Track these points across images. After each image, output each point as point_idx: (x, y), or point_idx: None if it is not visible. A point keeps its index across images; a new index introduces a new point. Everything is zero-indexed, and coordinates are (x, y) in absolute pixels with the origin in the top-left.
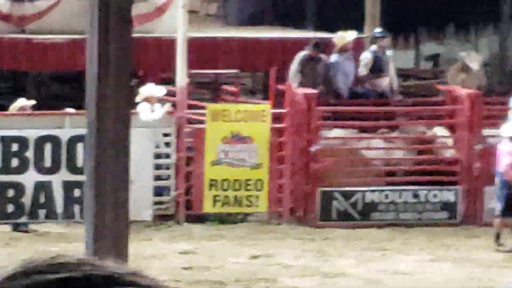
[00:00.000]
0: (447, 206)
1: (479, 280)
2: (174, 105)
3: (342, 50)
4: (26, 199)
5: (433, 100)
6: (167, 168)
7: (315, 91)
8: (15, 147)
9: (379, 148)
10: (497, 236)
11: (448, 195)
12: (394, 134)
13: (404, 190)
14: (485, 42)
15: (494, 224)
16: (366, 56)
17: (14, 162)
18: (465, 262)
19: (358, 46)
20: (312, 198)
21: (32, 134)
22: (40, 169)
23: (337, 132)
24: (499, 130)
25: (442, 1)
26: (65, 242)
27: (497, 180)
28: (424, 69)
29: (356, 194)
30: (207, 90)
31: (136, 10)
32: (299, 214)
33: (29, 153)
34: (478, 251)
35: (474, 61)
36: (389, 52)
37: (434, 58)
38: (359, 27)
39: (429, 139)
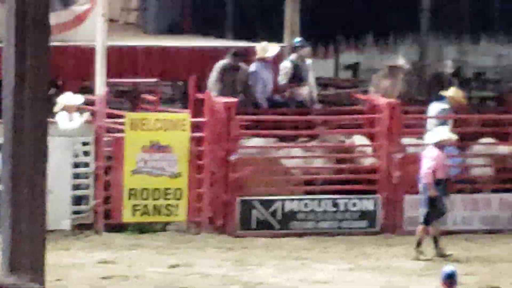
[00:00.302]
0: (367, 215)
1: None
2: (93, 114)
3: (262, 59)
4: None
5: (352, 109)
6: (86, 177)
7: (234, 100)
8: None
9: (298, 157)
10: (418, 243)
11: (367, 203)
12: (314, 143)
13: (323, 199)
14: (404, 51)
15: (417, 230)
16: (285, 65)
17: None
18: (385, 271)
19: (277, 56)
20: (232, 207)
21: None
22: None
23: (256, 141)
24: (418, 139)
25: (361, 11)
26: None
27: (420, 186)
28: (343, 78)
29: (276, 203)
30: (126, 99)
31: (56, 18)
32: (219, 223)
33: None
34: (398, 259)
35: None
36: (308, 61)
37: (353, 67)
38: (278, 36)
39: (348, 148)
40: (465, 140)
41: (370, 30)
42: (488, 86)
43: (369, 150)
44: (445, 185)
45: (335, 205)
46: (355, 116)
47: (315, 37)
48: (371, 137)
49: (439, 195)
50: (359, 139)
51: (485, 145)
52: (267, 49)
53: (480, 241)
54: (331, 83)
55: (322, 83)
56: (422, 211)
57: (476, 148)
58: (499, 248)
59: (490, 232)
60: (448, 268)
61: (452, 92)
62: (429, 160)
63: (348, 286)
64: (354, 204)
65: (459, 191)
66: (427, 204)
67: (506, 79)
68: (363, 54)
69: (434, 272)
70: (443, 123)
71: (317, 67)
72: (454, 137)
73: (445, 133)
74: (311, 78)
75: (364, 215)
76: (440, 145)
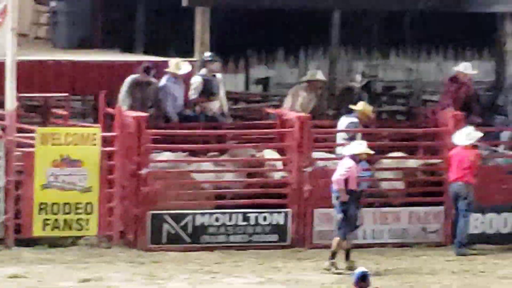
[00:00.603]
0: (277, 229)
1: None
2: (3, 128)
3: (173, 75)
4: None
5: (263, 123)
6: None
7: (145, 114)
8: None
9: (209, 171)
10: (333, 255)
11: (278, 217)
12: (224, 157)
13: (234, 212)
14: (314, 65)
15: (333, 242)
16: (196, 80)
17: None
18: (295, 284)
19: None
20: (142, 221)
21: None
22: None
23: (167, 155)
24: (328, 153)
25: (272, 25)
26: None
27: (333, 196)
28: (254, 92)
29: (187, 217)
30: (37, 113)
31: None
32: (130, 237)
33: None
34: (308, 273)
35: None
36: (219, 76)
37: (264, 81)
38: (189, 50)
39: (259, 162)
40: (374, 154)
41: (280, 45)
42: (398, 101)
43: (279, 164)
44: (358, 197)
45: (246, 219)
46: (266, 130)
47: (226, 52)
48: (282, 151)
49: (351, 204)
50: (269, 153)
51: (395, 159)
52: (180, 66)
53: (390, 254)
54: (242, 97)
55: (233, 98)
56: (337, 220)
57: (386, 162)
58: (408, 261)
59: (399, 245)
60: (361, 269)
61: (361, 106)
62: (343, 169)
63: None
64: (265, 218)
65: (369, 205)
66: (341, 211)
67: (416, 94)
68: (273, 68)
69: (343, 286)
70: (352, 137)
71: (228, 82)
72: (370, 152)
73: (362, 147)
74: (221, 92)
75: (274, 229)
76: (355, 158)
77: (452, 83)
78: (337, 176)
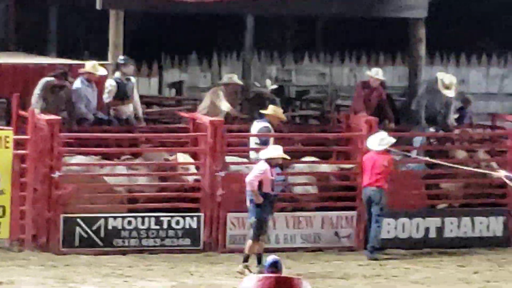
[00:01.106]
0: (190, 233)
1: None
2: None
3: (87, 78)
4: None
5: (176, 127)
6: None
7: (58, 117)
8: None
9: (122, 175)
10: (246, 259)
11: (191, 221)
12: (137, 160)
13: (146, 216)
14: (228, 69)
15: (246, 246)
16: (110, 83)
17: None
18: None
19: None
20: (55, 225)
21: None
22: None
23: (80, 159)
24: (241, 157)
25: (185, 29)
26: None
27: (248, 199)
28: (167, 96)
29: (99, 221)
30: None
31: None
32: (42, 240)
33: None
34: (221, 277)
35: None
36: (133, 79)
37: (177, 85)
38: (102, 54)
39: (172, 165)
40: (289, 159)
41: (193, 49)
42: (311, 105)
43: (192, 168)
44: (272, 201)
45: (159, 222)
46: (179, 134)
47: (139, 55)
48: (195, 155)
49: (265, 208)
50: (183, 157)
51: (308, 163)
52: (98, 68)
53: (302, 259)
54: (155, 101)
55: (146, 101)
56: (251, 223)
57: (299, 166)
58: (320, 266)
59: (312, 250)
60: (272, 257)
61: (271, 110)
62: (256, 171)
63: None
64: (178, 222)
65: (282, 210)
66: (254, 213)
67: (329, 98)
68: (187, 72)
69: None
70: (265, 141)
71: (141, 85)
72: (286, 156)
73: (278, 151)
74: (135, 96)
75: (187, 233)
76: (270, 162)
77: (363, 88)
78: (251, 177)
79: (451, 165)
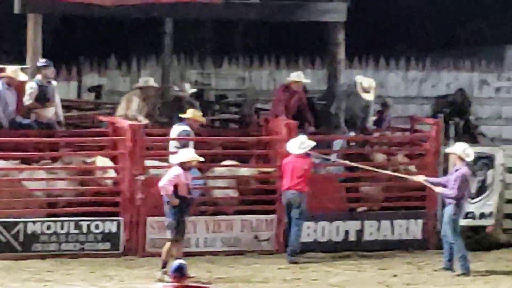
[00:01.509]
0: (110, 237)
1: None
2: None
3: (8, 83)
4: None
5: (95, 131)
6: None
7: None
8: None
9: (41, 179)
10: (164, 265)
11: (110, 225)
12: (57, 164)
13: (66, 221)
14: (147, 73)
15: (162, 251)
16: (31, 86)
17: None
18: None
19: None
20: None
21: None
22: None
23: None
24: (161, 161)
25: (104, 33)
26: None
27: (166, 203)
28: (86, 100)
29: (18, 225)
30: None
31: None
32: None
33: None
34: (141, 281)
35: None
36: (54, 83)
37: (97, 89)
38: (20, 57)
39: (91, 170)
40: (207, 162)
41: (112, 53)
42: (231, 109)
43: (112, 172)
44: (188, 204)
45: (78, 227)
46: (98, 138)
47: (58, 59)
48: (114, 159)
49: (182, 211)
50: (102, 161)
51: (227, 167)
52: (19, 73)
53: (222, 263)
54: (74, 105)
55: (65, 105)
56: (168, 225)
57: (219, 170)
58: (241, 269)
59: (232, 253)
60: (177, 261)
61: (190, 113)
62: (169, 176)
63: None
64: (97, 226)
65: (202, 213)
66: (172, 214)
67: (248, 102)
68: (106, 76)
69: None
70: (185, 145)
71: (60, 89)
72: (199, 158)
73: (190, 154)
74: (57, 99)
75: (107, 237)
76: (184, 166)
77: (284, 92)
78: (164, 182)
79: (371, 168)
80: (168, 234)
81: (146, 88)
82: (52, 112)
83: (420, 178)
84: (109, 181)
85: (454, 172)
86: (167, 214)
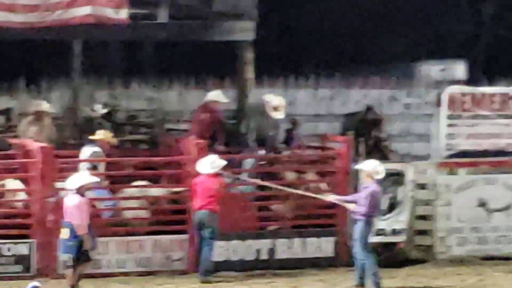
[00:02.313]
0: (21, 259)
1: None
2: None
3: None
4: None
5: (5, 154)
6: None
7: None
8: None
9: None
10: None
11: (22, 248)
12: None
13: None
14: (57, 94)
15: (67, 276)
16: None
17: None
18: None
19: None
20: None
21: None
22: None
23: None
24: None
25: (13, 55)
26: None
27: (66, 231)
28: None
29: None
30: None
31: None
32: None
33: None
34: None
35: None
36: None
37: (7, 112)
38: None
39: (1, 192)
40: (118, 182)
41: (22, 75)
42: (141, 129)
43: (23, 194)
44: (90, 226)
45: None
46: (9, 160)
47: None
48: (25, 181)
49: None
50: (13, 184)
51: (139, 187)
52: None
53: (134, 283)
54: None
55: None
56: (68, 256)
57: (129, 190)
58: None
59: (144, 273)
60: (33, 283)
61: (101, 134)
62: (78, 212)
63: None
64: (9, 249)
65: (114, 234)
66: (72, 249)
67: (158, 122)
68: (15, 99)
69: None
70: (95, 166)
71: None
72: (95, 179)
73: (85, 177)
74: None
75: (19, 259)
76: (82, 190)
77: (202, 112)
78: (81, 223)
79: (282, 187)
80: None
81: (39, 112)
82: None
83: (331, 198)
84: (19, 204)
85: (364, 189)
86: (66, 246)
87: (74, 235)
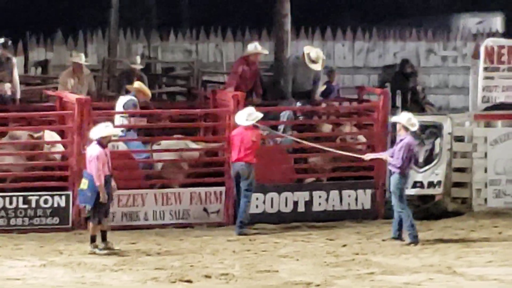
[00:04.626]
0: (58, 211)
1: (91, 284)
2: None
3: None
4: None
5: (43, 106)
6: None
7: None
8: None
9: None
10: (92, 240)
11: (59, 200)
12: (4, 140)
13: (14, 196)
14: (94, 47)
15: (89, 228)
16: None
17: None
18: (77, 267)
19: None
20: None
21: None
22: None
23: None
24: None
25: (50, 7)
26: None
27: (85, 181)
28: (33, 75)
29: None
30: None
31: None
32: None
33: None
34: (90, 255)
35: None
36: (14, 59)
37: (43, 64)
38: None
39: (39, 144)
40: (154, 135)
41: (59, 27)
42: (178, 82)
43: (60, 146)
44: (107, 181)
45: (27, 202)
46: (46, 112)
47: (4, 34)
48: (62, 133)
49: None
50: (50, 136)
51: (175, 140)
52: None
53: (171, 235)
54: (21, 80)
55: None
56: (88, 208)
57: (166, 143)
58: (190, 242)
59: (181, 226)
60: None
61: (137, 85)
62: (95, 161)
63: (41, 282)
64: (46, 201)
65: (151, 186)
66: (92, 200)
67: (195, 75)
68: (52, 51)
69: (125, 267)
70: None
71: None
72: (118, 132)
73: (107, 129)
74: (15, 76)
75: (55, 211)
76: (103, 142)
77: (242, 64)
78: (97, 173)
79: (317, 146)
80: (91, 218)
81: (78, 65)
82: (8, 87)
83: (366, 156)
84: (56, 156)
85: (399, 142)
86: (85, 197)
87: (93, 186)
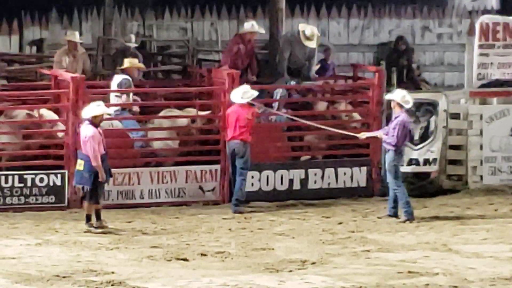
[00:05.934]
0: (54, 190)
1: (87, 262)
2: None
3: None
4: None
5: (38, 84)
6: None
7: None
8: None
9: None
10: (88, 218)
11: (55, 179)
12: (0, 118)
13: (10, 174)
14: (89, 25)
15: (84, 207)
16: None
17: None
18: (73, 245)
19: None
20: None
21: None
22: None
23: None
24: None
25: None
26: None
27: (81, 162)
28: (28, 54)
29: None
30: None
31: None
32: None
33: None
34: (86, 234)
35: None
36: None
37: (38, 43)
38: None
39: (35, 123)
40: (149, 113)
41: (54, 6)
42: (173, 60)
43: (56, 125)
44: (103, 159)
45: (22, 180)
46: (41, 91)
47: None
48: (58, 112)
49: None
50: (46, 114)
51: (170, 118)
52: None
53: (167, 214)
54: (16, 59)
55: (7, 59)
56: (87, 189)
57: (160, 121)
58: (185, 220)
59: (177, 204)
60: None
61: (127, 63)
62: (90, 141)
63: (37, 261)
64: (42, 180)
65: (146, 165)
66: (89, 181)
67: (190, 53)
68: (47, 29)
69: (121, 246)
70: (125, 95)
71: (2, 43)
72: (110, 111)
73: (100, 108)
74: None
75: (51, 190)
76: (95, 121)
77: (237, 43)
78: (93, 153)
79: (312, 123)
80: (87, 197)
81: (72, 44)
82: None
83: (361, 135)
84: (53, 135)
85: (394, 119)
86: (83, 178)
87: (89, 166)
